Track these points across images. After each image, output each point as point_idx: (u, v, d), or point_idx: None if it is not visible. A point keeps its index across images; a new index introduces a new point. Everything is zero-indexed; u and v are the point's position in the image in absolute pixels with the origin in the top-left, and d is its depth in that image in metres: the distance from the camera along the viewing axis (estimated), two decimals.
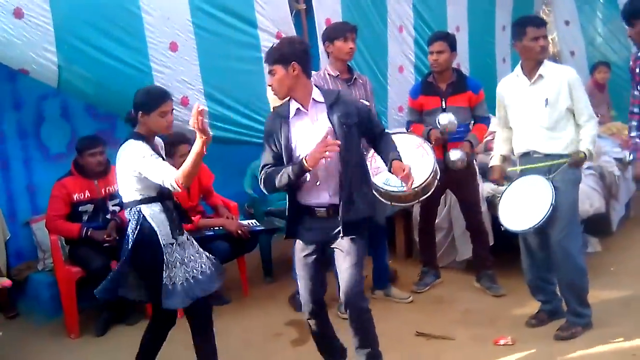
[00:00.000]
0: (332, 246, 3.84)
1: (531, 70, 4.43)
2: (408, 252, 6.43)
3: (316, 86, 3.86)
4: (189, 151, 5.39)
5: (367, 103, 5.12)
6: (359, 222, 3.78)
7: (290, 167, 3.69)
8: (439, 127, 5.09)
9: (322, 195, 3.80)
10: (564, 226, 4.35)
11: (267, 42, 6.21)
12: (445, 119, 5.08)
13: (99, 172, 5.39)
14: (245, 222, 5.66)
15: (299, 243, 3.92)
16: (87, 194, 5.36)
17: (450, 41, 5.31)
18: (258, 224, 5.75)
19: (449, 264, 6.01)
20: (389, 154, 3.83)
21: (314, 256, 3.88)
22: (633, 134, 4.63)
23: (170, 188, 3.75)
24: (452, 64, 5.38)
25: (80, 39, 5.15)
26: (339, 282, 3.91)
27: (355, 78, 5.17)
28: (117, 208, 5.47)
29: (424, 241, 5.73)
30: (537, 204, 4.32)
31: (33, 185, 5.97)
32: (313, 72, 5.32)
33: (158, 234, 3.85)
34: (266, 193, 3.96)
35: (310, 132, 3.75)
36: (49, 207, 5.30)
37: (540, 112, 4.39)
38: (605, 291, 5.07)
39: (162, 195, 3.91)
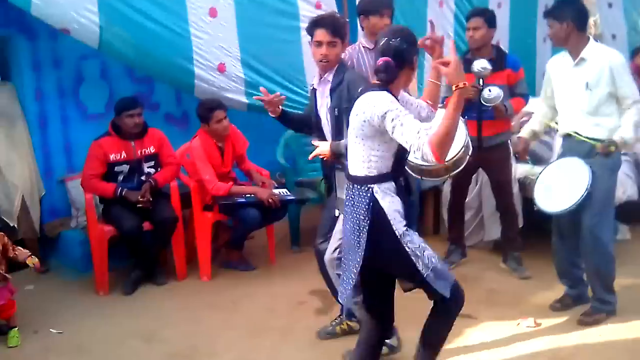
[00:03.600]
0: None
1: (575, 51, 4.35)
2: (436, 229, 6.44)
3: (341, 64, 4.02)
4: (225, 117, 5.52)
5: None
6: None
7: None
8: (474, 70, 5.02)
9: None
10: (596, 212, 4.32)
11: (307, 11, 6.19)
12: (479, 65, 5.01)
13: (136, 133, 5.45)
14: (276, 191, 5.70)
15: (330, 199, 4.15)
16: (124, 154, 5.42)
17: (488, 17, 5.25)
18: (289, 194, 5.78)
19: (476, 244, 6.01)
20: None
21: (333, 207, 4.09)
22: None
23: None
24: (490, 40, 5.32)
25: (122, 1, 5.19)
26: None
27: None
28: (152, 170, 5.55)
29: (453, 219, 5.74)
30: (573, 187, 4.28)
31: (70, 144, 6.07)
32: (349, 46, 5.35)
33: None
34: None
35: (322, 106, 4.07)
36: (85, 166, 5.38)
37: (580, 95, 4.33)
38: (631, 280, 5.05)
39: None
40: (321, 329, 4.44)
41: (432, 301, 3.36)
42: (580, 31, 4.34)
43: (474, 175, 5.66)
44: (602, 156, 4.27)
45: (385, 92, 3.12)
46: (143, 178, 5.49)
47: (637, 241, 6.02)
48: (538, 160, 5.71)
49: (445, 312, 3.36)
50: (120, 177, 5.44)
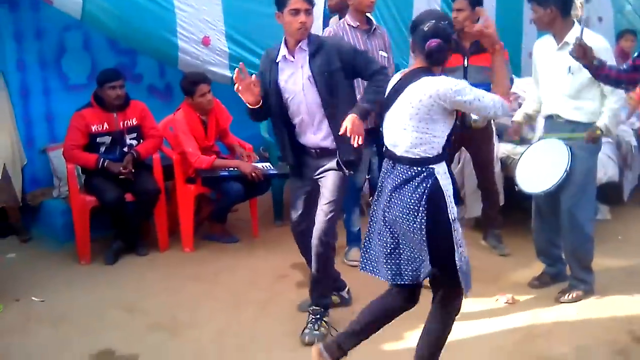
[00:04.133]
0: (319, 182, 4.11)
1: (559, 35, 4.36)
2: None
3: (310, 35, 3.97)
4: (208, 90, 5.50)
5: (385, 54, 5.13)
6: (348, 162, 4.01)
7: None
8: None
9: (310, 136, 4.06)
10: (575, 193, 4.36)
11: None
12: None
13: (118, 105, 5.42)
14: (259, 165, 5.71)
15: (293, 179, 4.26)
16: (106, 126, 5.41)
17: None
18: (272, 168, 5.79)
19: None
20: (356, 103, 3.93)
21: (305, 189, 4.19)
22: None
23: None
24: (475, 21, 5.32)
25: None
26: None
27: (375, 28, 5.15)
28: (134, 142, 5.53)
29: None
30: (553, 168, 4.32)
31: (52, 114, 6.03)
32: (333, 23, 5.34)
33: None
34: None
35: (295, 78, 3.97)
36: (67, 137, 5.36)
37: (563, 79, 4.35)
38: (610, 259, 5.11)
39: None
40: (302, 302, 4.47)
41: (433, 304, 3.40)
42: (565, 16, 4.34)
43: (456, 154, 5.68)
44: (588, 142, 4.30)
45: (444, 77, 3.21)
46: (125, 150, 5.48)
47: (616, 221, 6.08)
48: (521, 140, 5.74)
49: (445, 312, 3.37)
50: (102, 149, 5.42)
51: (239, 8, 5.88)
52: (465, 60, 5.17)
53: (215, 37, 5.81)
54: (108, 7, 5.27)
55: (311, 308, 4.19)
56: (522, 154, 4.64)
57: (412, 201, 3.18)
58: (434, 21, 3.25)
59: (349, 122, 3.66)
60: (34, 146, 5.96)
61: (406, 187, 3.22)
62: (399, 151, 3.26)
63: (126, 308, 4.60)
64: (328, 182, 4.04)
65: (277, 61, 3.99)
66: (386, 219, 3.30)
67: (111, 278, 5.11)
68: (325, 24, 6.09)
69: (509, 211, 5.62)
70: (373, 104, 3.86)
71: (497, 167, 5.61)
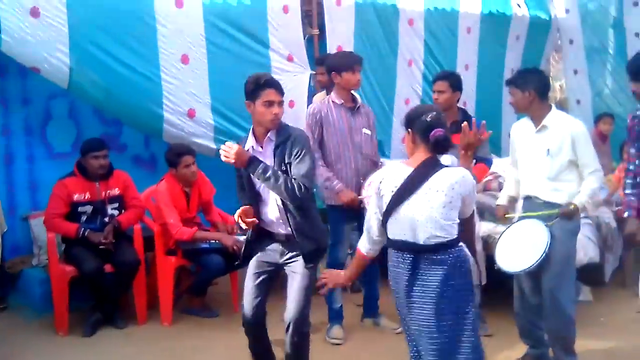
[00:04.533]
0: (285, 268, 4.05)
1: (537, 118, 4.43)
2: None
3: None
4: (193, 162, 5.52)
5: (368, 132, 5.19)
6: (311, 252, 3.98)
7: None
8: None
9: (277, 226, 4.01)
10: (556, 274, 4.36)
11: (278, 63, 6.32)
12: (448, 161, 5.09)
13: (101, 174, 5.42)
14: (242, 237, 5.67)
15: (253, 261, 4.10)
16: (88, 195, 5.39)
17: (452, 81, 5.34)
18: None
19: None
20: None
21: (265, 275, 4.08)
22: (628, 191, 4.63)
23: None
24: (454, 103, 5.41)
25: (93, 44, 5.26)
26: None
27: (359, 107, 5.23)
28: (116, 212, 5.51)
29: None
30: (533, 249, 4.31)
31: (35, 182, 6.03)
32: (317, 99, 5.42)
33: None
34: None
35: None
36: (48, 205, 5.34)
37: (542, 161, 4.39)
38: (592, 341, 5.06)
39: None
40: None
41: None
42: (542, 99, 4.43)
43: None
44: (563, 218, 4.33)
45: (465, 170, 3.47)
46: (106, 219, 5.45)
47: (598, 303, 6.06)
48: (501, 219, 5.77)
49: None
50: (84, 218, 5.39)
51: (225, 83, 5.95)
52: None
53: (201, 109, 5.88)
54: (94, 78, 5.33)
55: None
56: (502, 233, 4.65)
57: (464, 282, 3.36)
58: (434, 112, 3.41)
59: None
60: (15, 213, 5.93)
61: (445, 272, 3.33)
62: (428, 239, 3.32)
63: None
64: (298, 268, 3.98)
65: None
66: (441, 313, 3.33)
67: (88, 350, 5.01)
68: (310, 101, 6.17)
69: (491, 291, 5.59)
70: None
71: (479, 246, 5.61)
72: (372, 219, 3.52)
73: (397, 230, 3.39)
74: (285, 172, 3.85)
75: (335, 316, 5.26)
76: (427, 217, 3.30)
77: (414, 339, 3.47)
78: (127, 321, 5.46)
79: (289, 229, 3.93)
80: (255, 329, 4.11)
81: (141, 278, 5.48)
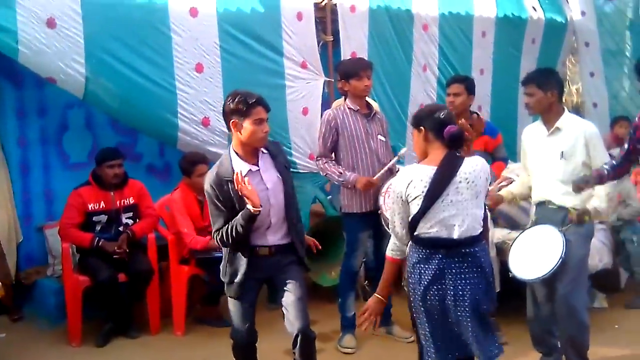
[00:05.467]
0: (277, 281, 4.02)
1: (550, 121, 4.43)
2: None
3: None
4: (206, 171, 5.52)
5: (383, 138, 5.19)
6: (304, 257, 4.05)
7: (239, 217, 3.77)
8: None
9: (269, 237, 3.97)
10: (571, 280, 4.33)
11: (292, 70, 6.31)
12: None
13: (116, 184, 5.46)
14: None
15: (238, 283, 3.96)
16: (102, 204, 5.43)
17: (468, 84, 5.35)
18: None
19: None
20: None
21: (253, 291, 4.06)
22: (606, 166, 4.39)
23: None
24: (469, 107, 5.41)
25: (109, 53, 5.28)
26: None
27: (375, 113, 5.23)
28: (130, 221, 5.54)
29: None
30: (547, 255, 4.28)
31: (50, 191, 6.09)
32: (336, 105, 5.42)
33: None
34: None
35: (263, 184, 3.89)
36: (63, 215, 5.39)
37: (555, 164, 4.37)
38: (606, 348, 5.03)
39: None
40: None
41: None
42: (560, 101, 4.43)
43: None
44: (575, 224, 4.30)
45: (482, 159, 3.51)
46: (121, 229, 5.49)
47: (613, 310, 6.01)
48: (515, 225, 5.74)
49: None
50: (98, 227, 5.44)
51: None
52: None
53: (215, 117, 5.88)
54: (110, 87, 5.35)
55: None
56: (515, 239, 4.63)
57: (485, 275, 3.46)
58: (445, 110, 3.49)
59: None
60: (31, 223, 5.99)
61: (477, 266, 3.43)
62: (466, 232, 3.38)
63: None
64: (294, 276, 3.99)
65: (230, 179, 3.79)
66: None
67: None
68: (324, 108, 6.17)
69: (505, 298, 5.55)
70: None
71: (493, 253, 5.58)
72: (397, 226, 3.51)
73: (430, 228, 3.39)
74: (289, 176, 3.97)
75: (348, 325, 5.25)
76: (463, 210, 3.34)
77: (444, 339, 3.47)
78: (140, 331, 5.50)
79: (287, 238, 3.97)
80: (249, 348, 4.15)
81: (154, 287, 5.51)
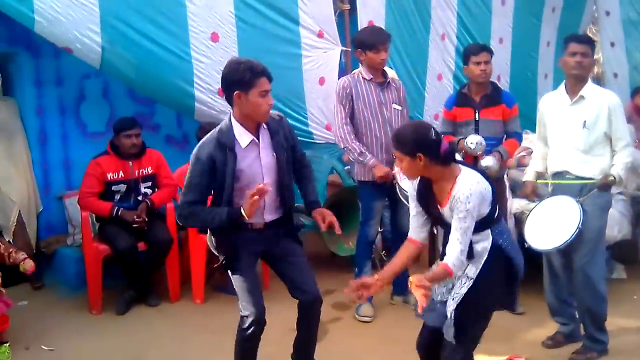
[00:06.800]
0: (275, 252, 3.91)
1: (573, 89, 4.38)
2: (431, 261, 6.41)
3: None
4: None
5: (399, 107, 5.15)
6: (298, 227, 4.02)
7: (226, 214, 3.58)
8: (469, 147, 5.06)
9: (266, 216, 3.82)
10: (588, 251, 4.33)
11: (308, 39, 6.28)
12: (474, 141, 5.06)
13: (134, 153, 5.48)
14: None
15: (243, 258, 3.82)
16: (121, 174, 5.46)
17: (491, 53, 5.30)
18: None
19: None
20: (308, 195, 3.99)
21: (254, 270, 3.91)
22: None
23: None
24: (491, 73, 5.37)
25: (124, 23, 5.26)
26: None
27: (389, 82, 5.19)
28: (149, 190, 5.57)
29: None
30: (564, 225, 4.28)
31: (69, 161, 6.12)
32: (347, 75, 5.38)
33: None
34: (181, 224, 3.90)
35: (256, 161, 3.70)
36: (82, 184, 5.42)
37: (577, 133, 4.35)
38: (625, 319, 5.03)
39: None
40: None
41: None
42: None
43: None
44: (598, 191, 4.28)
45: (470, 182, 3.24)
46: (140, 198, 5.52)
47: (632, 280, 5.99)
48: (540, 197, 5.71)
49: None
50: (117, 197, 5.46)
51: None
52: (477, 114, 5.20)
53: None
54: (126, 57, 5.34)
55: None
56: (531, 210, 4.61)
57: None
58: (432, 127, 3.26)
59: (329, 216, 3.79)
60: (50, 193, 6.03)
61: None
62: None
63: (134, 358, 4.59)
64: (294, 246, 3.93)
65: (234, 148, 3.60)
66: None
67: (121, 328, 5.11)
68: (342, 76, 6.14)
69: (523, 268, 5.55)
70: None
71: (511, 223, 5.57)
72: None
73: None
74: (287, 155, 3.78)
75: None
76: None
77: None
78: (160, 299, 5.56)
79: (280, 210, 3.84)
80: (261, 327, 3.86)
81: (174, 256, 5.55)
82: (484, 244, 3.32)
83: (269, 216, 3.82)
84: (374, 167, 5.00)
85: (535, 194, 4.79)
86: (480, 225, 3.26)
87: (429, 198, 3.34)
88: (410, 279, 3.10)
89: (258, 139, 3.68)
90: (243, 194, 3.59)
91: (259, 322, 3.78)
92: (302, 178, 4.02)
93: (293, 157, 3.89)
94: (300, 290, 3.91)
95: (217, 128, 3.69)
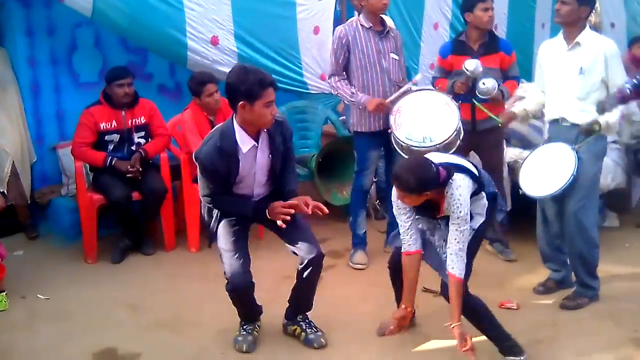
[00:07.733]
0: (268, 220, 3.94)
1: (570, 36, 4.35)
2: None
3: None
4: (216, 90, 5.50)
5: (396, 57, 5.12)
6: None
7: (251, 209, 3.88)
8: (465, 72, 4.98)
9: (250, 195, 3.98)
10: (581, 197, 4.34)
11: None
12: (472, 64, 4.96)
13: (127, 103, 5.45)
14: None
15: (227, 224, 3.99)
16: (114, 123, 5.43)
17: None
18: None
19: None
20: (289, 184, 4.04)
21: (243, 232, 4.04)
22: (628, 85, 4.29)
23: None
24: (493, 20, 5.29)
25: None
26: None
27: (388, 31, 5.14)
28: (142, 140, 5.55)
29: None
30: (559, 172, 4.29)
31: (62, 111, 6.08)
32: (344, 23, 5.32)
33: None
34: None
35: (255, 160, 3.84)
36: (75, 134, 5.40)
37: (573, 80, 4.33)
38: (616, 266, 5.08)
39: None
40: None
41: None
42: (586, 18, 4.37)
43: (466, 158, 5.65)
44: (584, 135, 4.30)
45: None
46: (133, 148, 5.50)
47: (624, 229, 6.04)
48: (528, 144, 5.72)
49: None
50: (111, 147, 5.45)
51: (248, 8, 5.87)
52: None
53: (224, 36, 5.81)
54: (118, 5, 5.26)
55: (300, 317, 4.21)
56: (526, 157, 4.61)
57: None
58: (425, 159, 3.51)
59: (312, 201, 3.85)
60: (43, 144, 6.01)
61: None
62: None
63: (130, 306, 4.63)
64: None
65: (237, 155, 3.74)
66: None
67: (117, 276, 5.15)
68: (337, 25, 6.09)
69: (515, 216, 5.58)
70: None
71: (505, 172, 5.58)
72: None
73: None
74: (280, 160, 3.91)
75: (359, 242, 5.31)
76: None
77: None
78: (155, 247, 5.59)
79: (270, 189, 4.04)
80: (247, 289, 4.01)
81: (169, 205, 5.57)
82: (482, 201, 3.63)
83: (257, 194, 4.01)
84: (367, 102, 4.97)
85: (508, 121, 4.94)
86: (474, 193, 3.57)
87: (427, 211, 3.61)
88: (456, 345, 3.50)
89: (257, 142, 3.80)
90: (237, 187, 3.88)
91: (235, 289, 3.95)
92: (285, 169, 4.03)
93: (285, 155, 4.00)
94: (303, 252, 3.99)
95: (219, 132, 3.77)
